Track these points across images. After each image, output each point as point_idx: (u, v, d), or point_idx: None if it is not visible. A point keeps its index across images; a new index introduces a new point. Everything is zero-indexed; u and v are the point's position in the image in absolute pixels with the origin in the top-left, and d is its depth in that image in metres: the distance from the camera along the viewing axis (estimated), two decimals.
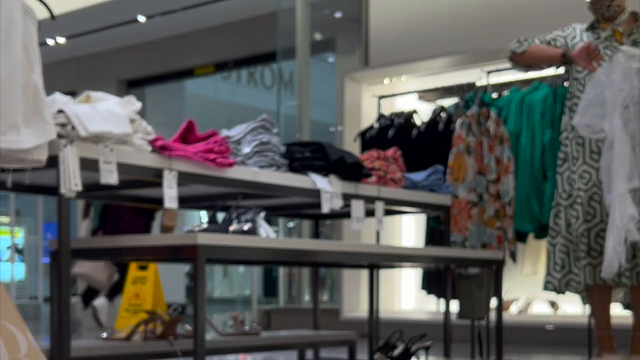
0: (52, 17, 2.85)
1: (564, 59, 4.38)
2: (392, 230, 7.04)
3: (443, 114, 5.85)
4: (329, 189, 3.76)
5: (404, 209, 4.42)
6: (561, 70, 4.65)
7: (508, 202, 4.88)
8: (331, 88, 8.45)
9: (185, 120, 3.41)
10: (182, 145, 3.27)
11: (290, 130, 8.53)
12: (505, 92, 5.85)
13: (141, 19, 11.15)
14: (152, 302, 6.90)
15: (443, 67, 6.77)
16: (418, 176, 4.50)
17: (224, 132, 3.57)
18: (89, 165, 2.88)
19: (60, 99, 2.92)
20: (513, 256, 4.94)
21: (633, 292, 4.31)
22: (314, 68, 8.77)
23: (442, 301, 5.51)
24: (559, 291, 4.38)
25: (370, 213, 4.12)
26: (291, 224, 10.32)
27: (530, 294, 6.38)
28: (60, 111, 2.83)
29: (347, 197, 3.90)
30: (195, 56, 12.05)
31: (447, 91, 6.44)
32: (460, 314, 4.86)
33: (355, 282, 7.25)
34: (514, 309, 6.47)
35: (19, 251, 14.44)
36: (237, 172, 3.41)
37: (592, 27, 4.45)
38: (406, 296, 7.26)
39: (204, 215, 7.61)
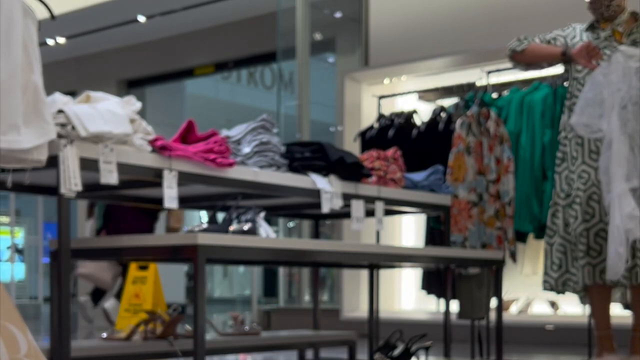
0: (52, 17, 2.85)
1: (564, 57, 4.38)
2: (392, 230, 7.03)
3: (443, 114, 5.85)
4: (329, 189, 3.76)
5: (404, 209, 4.42)
6: (561, 70, 4.64)
7: (508, 202, 4.88)
8: (331, 88, 8.45)
9: (185, 120, 3.41)
10: (182, 145, 3.27)
11: (290, 130, 8.53)
12: (505, 92, 5.85)
13: (141, 19, 11.15)
14: (152, 302, 6.89)
15: (443, 67, 6.77)
16: (418, 176, 4.50)
17: (224, 132, 3.57)
18: (89, 165, 2.88)
19: (60, 99, 2.92)
20: (513, 256, 4.94)
21: (633, 291, 4.31)
22: (314, 68, 8.77)
23: (442, 301, 5.51)
24: (557, 291, 4.39)
25: (370, 213, 4.12)
26: (291, 224, 10.32)
27: (530, 294, 6.38)
28: (60, 111, 2.83)
29: (347, 197, 3.90)
30: (195, 56, 12.05)
31: (447, 91, 6.44)
32: (460, 314, 4.86)
33: (355, 282, 7.25)
34: (514, 309, 6.47)
35: (19, 251, 14.44)
36: (237, 172, 3.41)
37: (591, 27, 4.45)
38: (406, 296, 7.26)
39: (204, 215, 7.61)
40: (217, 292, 17.35)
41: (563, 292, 4.40)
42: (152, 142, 3.12)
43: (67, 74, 12.82)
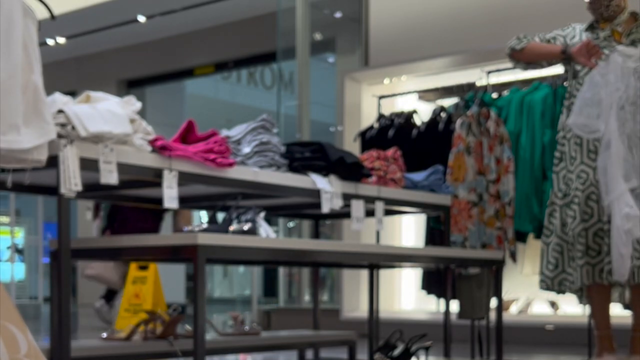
0: (52, 17, 2.85)
1: (564, 56, 4.37)
2: (392, 230, 7.03)
3: (443, 114, 5.85)
4: (329, 189, 3.76)
5: (404, 209, 4.42)
6: (561, 70, 4.65)
7: (508, 202, 4.88)
8: (331, 88, 8.45)
9: (185, 120, 3.41)
10: (182, 145, 3.27)
11: (290, 130, 8.53)
12: (505, 92, 5.85)
13: (141, 19, 11.15)
14: (152, 302, 6.90)
15: (443, 67, 6.77)
16: (418, 176, 4.50)
17: (224, 132, 3.57)
18: (89, 165, 2.88)
19: (60, 99, 2.92)
20: (513, 256, 4.94)
21: (632, 291, 4.31)
22: (314, 68, 8.77)
23: (442, 301, 5.51)
24: (553, 290, 4.39)
25: (370, 213, 4.12)
26: (291, 224, 10.32)
27: (530, 294, 6.38)
28: (60, 111, 2.83)
29: (347, 197, 3.90)
30: (195, 56, 12.06)
31: (447, 91, 6.44)
32: (460, 314, 4.86)
33: (355, 282, 7.25)
34: (514, 309, 6.47)
35: (19, 251, 14.44)
36: (237, 172, 3.41)
37: (591, 27, 4.45)
38: (406, 296, 7.26)
39: (204, 215, 7.61)
40: (217, 292, 17.35)
41: (563, 292, 4.41)
42: (152, 142, 3.12)
43: (67, 74, 12.83)
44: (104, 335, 3.40)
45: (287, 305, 8.87)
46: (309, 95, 8.44)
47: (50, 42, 11.93)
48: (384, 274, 6.75)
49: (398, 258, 4.00)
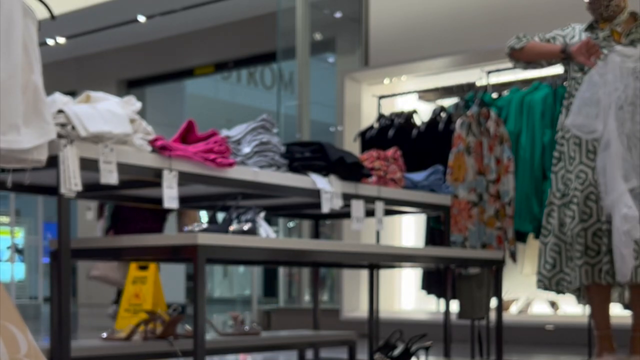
0: (52, 17, 2.85)
1: (563, 55, 4.37)
2: (392, 230, 7.03)
3: (443, 114, 5.85)
4: (329, 189, 3.76)
5: (404, 209, 4.42)
6: (561, 69, 4.65)
7: (508, 202, 4.88)
8: (331, 88, 8.45)
9: (185, 120, 3.41)
10: (182, 145, 3.27)
11: (290, 130, 8.53)
12: (505, 92, 5.85)
13: (141, 19, 11.15)
14: (152, 302, 6.89)
15: (443, 67, 6.77)
16: (418, 176, 4.50)
17: (224, 132, 3.57)
18: (89, 165, 2.88)
19: (60, 99, 2.92)
20: (513, 256, 4.94)
21: (632, 291, 4.31)
22: (314, 68, 8.77)
23: (442, 301, 5.51)
24: (550, 290, 4.39)
25: (370, 213, 4.12)
26: (291, 224, 10.32)
27: (530, 294, 6.38)
28: (60, 111, 2.83)
29: (347, 197, 3.90)
30: (195, 56, 12.06)
31: (447, 91, 6.43)
32: (460, 314, 4.86)
33: (355, 282, 7.25)
34: (514, 309, 6.47)
35: (19, 251, 14.43)
36: (237, 172, 3.41)
37: (590, 27, 4.45)
38: (406, 296, 7.26)
39: (204, 215, 7.61)
40: (217, 292, 17.35)
41: (561, 292, 4.41)
42: (152, 142, 3.12)
43: (67, 74, 12.83)
44: (104, 335, 3.40)
45: (287, 305, 8.87)
46: (309, 95, 8.44)
47: (50, 42, 11.93)
48: (384, 274, 6.75)
49: (398, 258, 4.00)
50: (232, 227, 3.29)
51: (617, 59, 4.07)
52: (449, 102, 6.32)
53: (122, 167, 2.99)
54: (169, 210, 6.44)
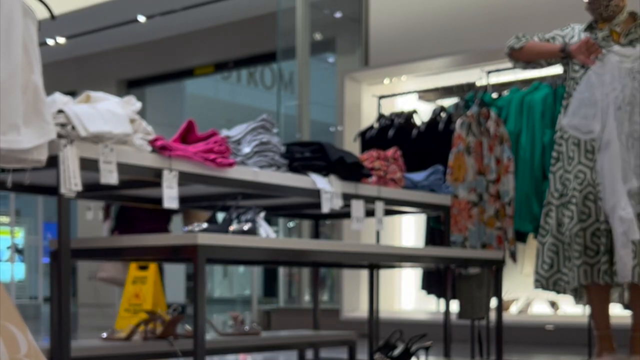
0: (52, 17, 2.85)
1: (563, 54, 4.37)
2: (392, 230, 7.03)
3: (443, 114, 5.85)
4: (329, 189, 3.76)
5: (404, 209, 4.42)
6: (561, 69, 4.65)
7: (508, 202, 4.88)
8: (331, 88, 8.45)
9: (185, 120, 3.41)
10: (182, 145, 3.27)
11: (290, 130, 8.53)
12: (505, 92, 5.85)
13: (141, 19, 11.15)
14: (152, 302, 6.89)
15: (443, 67, 6.77)
16: (418, 176, 4.49)
17: (224, 132, 3.57)
18: (89, 165, 2.88)
19: (60, 99, 2.92)
20: (513, 256, 4.94)
21: (631, 291, 4.31)
22: (314, 68, 8.77)
23: (442, 301, 5.51)
24: (548, 290, 4.39)
25: (370, 213, 4.12)
26: (291, 224, 10.32)
27: (530, 294, 6.38)
28: (60, 111, 2.83)
29: (347, 197, 3.90)
30: (195, 56, 12.05)
31: (447, 91, 6.44)
32: (460, 314, 4.86)
33: (355, 282, 7.25)
34: (514, 309, 6.47)
35: (19, 251, 14.44)
36: (237, 172, 3.41)
37: (590, 27, 4.45)
38: (406, 296, 7.26)
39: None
40: (217, 292, 17.35)
41: (558, 292, 4.41)
42: (152, 142, 3.12)
43: (67, 74, 12.83)
44: (104, 335, 3.40)
45: (287, 305, 8.87)
46: (309, 95, 8.44)
47: (50, 42, 11.93)
48: (384, 274, 6.75)
49: (398, 258, 4.00)
50: (232, 227, 3.29)
51: (614, 60, 4.07)
52: (449, 102, 6.32)
53: (122, 167, 2.99)
54: (174, 211, 6.43)
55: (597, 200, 4.17)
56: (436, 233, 5.57)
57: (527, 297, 6.44)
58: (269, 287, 13.50)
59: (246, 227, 3.28)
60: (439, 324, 4.50)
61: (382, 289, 6.08)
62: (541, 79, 5.71)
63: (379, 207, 4.08)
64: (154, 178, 3.13)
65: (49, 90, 2.74)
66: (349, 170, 3.91)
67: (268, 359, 5.25)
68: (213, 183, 3.34)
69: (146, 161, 3.08)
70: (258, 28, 10.87)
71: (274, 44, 9.16)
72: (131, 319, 6.51)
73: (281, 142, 3.72)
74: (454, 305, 4.76)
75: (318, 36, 8.83)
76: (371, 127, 6.18)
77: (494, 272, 4.61)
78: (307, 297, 8.65)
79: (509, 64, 4.73)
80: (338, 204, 3.84)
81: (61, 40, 12.00)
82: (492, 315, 4.75)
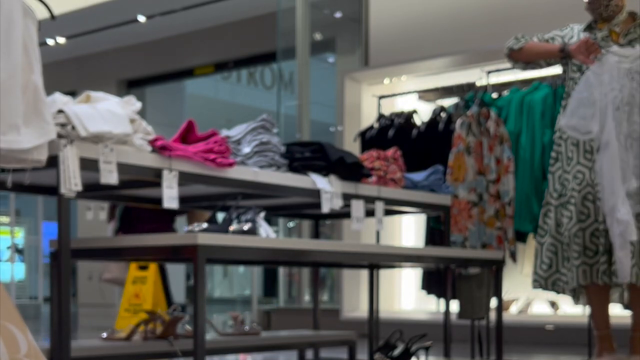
0: (52, 17, 2.85)
1: (562, 54, 4.37)
2: (392, 230, 7.03)
3: (443, 114, 5.85)
4: (329, 189, 3.76)
5: (404, 209, 4.42)
6: (560, 69, 4.65)
7: (508, 202, 4.88)
8: (331, 88, 8.45)
9: (185, 120, 3.41)
10: (182, 145, 3.27)
11: (290, 130, 8.53)
12: (505, 92, 5.85)
13: (141, 19, 11.15)
14: (152, 302, 6.89)
15: (443, 67, 6.77)
16: (418, 176, 4.49)
17: (224, 132, 3.57)
18: (89, 165, 2.88)
19: (60, 99, 2.92)
20: (513, 256, 4.94)
21: (631, 292, 4.31)
22: (314, 68, 8.77)
23: (442, 301, 5.51)
24: (546, 290, 4.39)
25: (370, 213, 4.12)
26: (291, 224, 10.32)
27: (530, 294, 6.38)
28: (60, 111, 2.83)
29: (347, 197, 3.90)
30: (195, 56, 12.06)
31: (447, 91, 6.44)
32: (460, 314, 4.86)
33: (355, 282, 7.25)
34: (514, 309, 6.47)
35: (19, 251, 14.44)
36: (237, 172, 3.41)
37: (589, 27, 4.45)
38: (406, 296, 7.26)
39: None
40: (217, 292, 17.35)
41: (557, 292, 4.41)
42: (152, 142, 3.12)
43: (67, 74, 12.83)
44: (104, 335, 3.40)
45: (287, 305, 8.87)
46: (309, 95, 8.44)
47: (50, 42, 11.93)
48: (384, 274, 6.75)
49: (398, 258, 4.00)
50: (232, 227, 3.29)
51: (613, 60, 4.07)
52: (449, 102, 6.32)
53: (122, 167, 2.99)
54: (178, 212, 6.43)
55: (596, 200, 4.17)
56: (436, 233, 5.57)
57: (527, 297, 6.44)
58: (269, 287, 13.50)
59: (246, 227, 3.28)
60: (439, 324, 4.50)
61: (382, 289, 6.08)
62: (541, 79, 5.71)
63: (379, 207, 4.08)
64: (154, 178, 3.13)
65: (49, 90, 2.74)
66: (349, 170, 3.91)
67: (268, 359, 5.25)
68: (213, 183, 3.34)
69: (146, 161, 3.08)
70: (258, 28, 10.87)
71: (274, 44, 9.17)
72: (131, 319, 6.52)
73: (281, 142, 3.72)
74: (454, 305, 4.76)
75: (318, 36, 8.83)
76: (371, 127, 6.18)
77: (494, 272, 4.61)
78: (307, 297, 8.65)
79: (509, 64, 4.73)
80: (338, 204, 3.84)
81: (61, 40, 12.01)
82: (492, 315, 4.75)
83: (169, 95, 13.28)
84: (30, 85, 2.59)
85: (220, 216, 3.57)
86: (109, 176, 2.93)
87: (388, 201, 4.15)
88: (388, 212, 4.34)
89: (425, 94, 6.73)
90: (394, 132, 5.99)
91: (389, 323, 5.60)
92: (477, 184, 4.90)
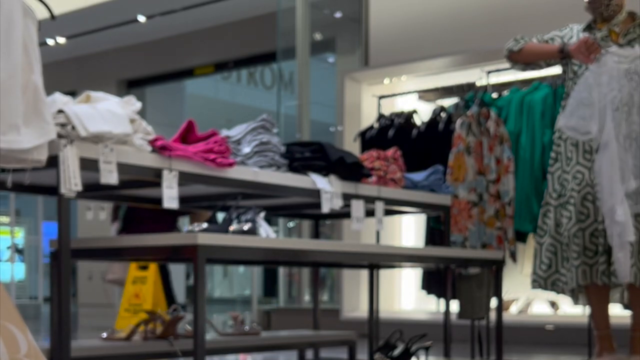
0: (52, 17, 2.85)
1: (562, 54, 4.37)
2: (392, 230, 7.03)
3: (443, 114, 5.85)
4: (329, 189, 3.76)
5: (404, 209, 4.42)
6: (560, 69, 4.65)
7: (508, 202, 4.88)
8: (331, 88, 8.45)
9: (185, 120, 3.41)
10: (182, 145, 3.27)
11: (290, 130, 8.53)
12: (505, 92, 5.85)
13: (141, 19, 11.16)
14: (152, 302, 6.89)
15: (443, 67, 6.77)
16: (418, 176, 4.49)
17: (224, 132, 3.57)
18: (89, 165, 2.88)
19: (60, 99, 2.92)
20: (513, 256, 4.94)
21: (630, 292, 4.31)
22: (314, 68, 8.77)
23: (442, 301, 5.51)
24: (546, 290, 4.39)
25: (370, 213, 4.12)
26: (291, 224, 10.32)
27: (530, 294, 6.38)
28: (60, 111, 2.83)
29: (347, 197, 3.90)
30: (195, 56, 12.06)
31: (447, 91, 6.43)
32: (460, 314, 4.86)
33: (355, 282, 7.25)
34: (514, 309, 6.47)
35: (19, 251, 14.44)
36: (237, 172, 3.41)
37: (589, 28, 4.44)
38: (406, 296, 7.26)
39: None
40: (217, 292, 17.35)
41: (556, 293, 4.41)
42: (152, 142, 3.12)
43: (67, 74, 12.83)
44: (104, 335, 3.40)
45: (287, 305, 8.87)
46: (309, 95, 8.44)
47: (50, 42, 11.93)
48: (384, 274, 6.75)
49: (398, 258, 4.00)
50: (232, 227, 3.29)
51: (612, 60, 4.07)
52: (449, 102, 6.32)
53: (122, 167, 2.99)
54: (181, 212, 6.43)
55: (596, 200, 4.17)
56: (436, 233, 5.57)
57: (527, 297, 6.44)
58: (269, 287, 13.50)
59: (246, 227, 3.28)
60: (439, 324, 4.50)
61: (382, 289, 6.08)
62: (541, 79, 5.71)
63: (379, 207, 4.08)
64: (154, 178, 3.13)
65: (49, 90, 2.74)
66: (349, 170, 3.91)
67: (268, 359, 5.25)
68: (213, 183, 3.34)
69: (146, 161, 3.08)
70: (258, 28, 10.88)
71: (274, 44, 9.17)
72: (131, 319, 6.52)
73: (281, 142, 3.72)
74: (454, 305, 4.76)
75: (318, 36, 8.83)
76: (371, 127, 6.18)
77: (494, 272, 4.61)
78: (307, 297, 8.65)
79: (508, 63, 4.73)
80: (338, 204, 3.84)
81: (61, 40, 12.01)
82: (492, 315, 4.75)
83: (169, 95, 13.28)
84: (30, 85, 2.59)
85: (221, 216, 3.57)
86: (109, 176, 2.93)
87: (388, 201, 4.15)
88: (388, 212, 4.34)
89: (425, 94, 6.73)
90: (394, 132, 5.99)
91: (389, 323, 5.60)
92: (477, 184, 4.90)
